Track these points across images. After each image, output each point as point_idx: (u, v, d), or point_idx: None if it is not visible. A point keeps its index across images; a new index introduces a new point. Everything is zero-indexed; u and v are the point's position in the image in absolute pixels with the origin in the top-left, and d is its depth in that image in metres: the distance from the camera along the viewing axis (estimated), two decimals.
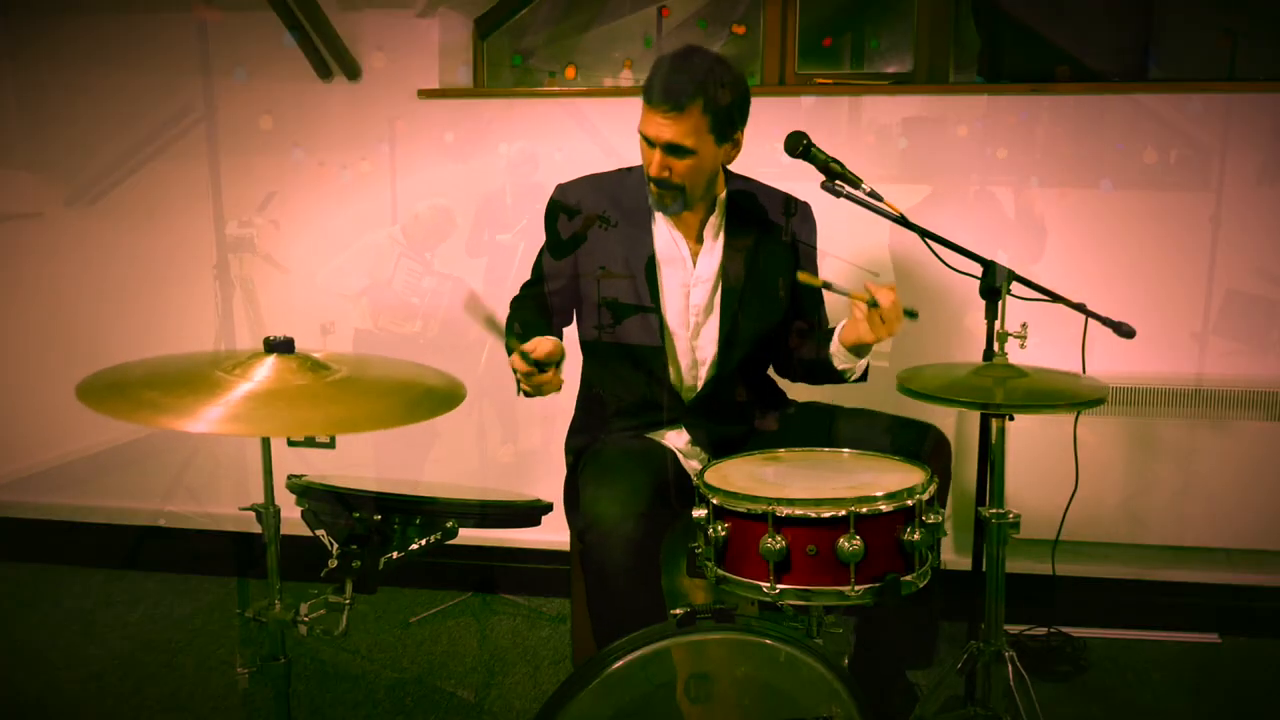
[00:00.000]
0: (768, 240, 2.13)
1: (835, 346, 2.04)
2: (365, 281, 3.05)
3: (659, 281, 2.08)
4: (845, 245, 2.78)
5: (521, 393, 1.97)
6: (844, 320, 2.03)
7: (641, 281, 2.08)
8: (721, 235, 2.11)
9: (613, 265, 2.08)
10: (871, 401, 2.16)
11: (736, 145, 2.03)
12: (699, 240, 2.11)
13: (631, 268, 2.08)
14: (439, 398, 1.48)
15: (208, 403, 1.34)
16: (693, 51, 1.96)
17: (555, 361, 1.91)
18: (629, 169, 2.15)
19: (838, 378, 2.10)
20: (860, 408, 2.13)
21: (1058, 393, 1.87)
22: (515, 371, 1.89)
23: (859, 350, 2.02)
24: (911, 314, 1.91)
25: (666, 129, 1.93)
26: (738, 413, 2.16)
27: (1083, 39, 2.97)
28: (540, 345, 1.88)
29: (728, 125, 1.97)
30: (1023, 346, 1.92)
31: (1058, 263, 2.77)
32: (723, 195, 2.12)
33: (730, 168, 2.15)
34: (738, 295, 2.09)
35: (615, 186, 2.13)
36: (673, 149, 1.94)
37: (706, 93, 1.91)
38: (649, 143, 1.97)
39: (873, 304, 1.89)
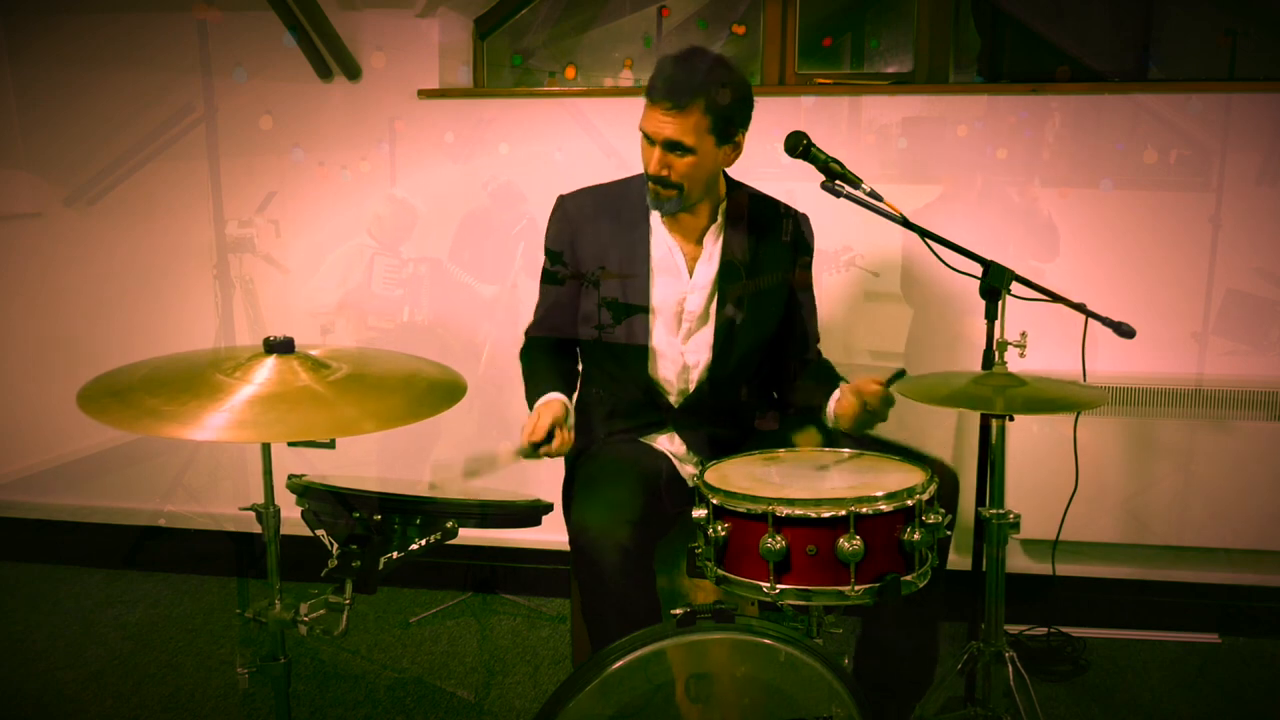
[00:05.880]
0: (766, 250, 2.13)
1: (829, 412, 2.08)
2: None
3: (652, 287, 2.09)
4: (842, 244, 2.79)
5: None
6: (837, 395, 2.06)
7: (636, 286, 2.08)
8: (720, 244, 2.11)
9: (610, 271, 2.10)
10: None
11: (737, 148, 2.03)
12: (698, 247, 2.11)
13: (627, 273, 2.09)
14: (441, 392, 1.48)
15: (210, 409, 1.33)
16: (696, 52, 1.97)
17: (561, 423, 1.97)
18: (629, 178, 2.15)
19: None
20: (865, 437, 2.12)
21: (1057, 402, 1.88)
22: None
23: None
24: (899, 375, 1.93)
25: (667, 126, 1.93)
26: (730, 417, 2.16)
27: (1083, 39, 2.97)
28: (539, 426, 1.93)
29: (728, 126, 1.97)
30: (1022, 355, 1.92)
31: (1058, 263, 2.77)
32: (723, 204, 2.12)
33: (732, 173, 2.15)
34: (734, 304, 2.09)
35: (616, 195, 2.15)
36: (672, 146, 1.95)
37: (708, 92, 1.92)
38: (649, 139, 1.98)
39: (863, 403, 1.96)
